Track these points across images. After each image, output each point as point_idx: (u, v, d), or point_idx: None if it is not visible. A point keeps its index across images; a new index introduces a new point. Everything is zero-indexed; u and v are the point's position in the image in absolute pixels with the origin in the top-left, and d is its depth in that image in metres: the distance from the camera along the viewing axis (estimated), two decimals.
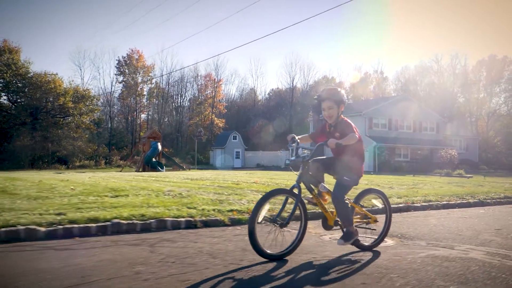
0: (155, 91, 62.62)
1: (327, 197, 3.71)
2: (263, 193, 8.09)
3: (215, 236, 4.47)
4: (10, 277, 2.74)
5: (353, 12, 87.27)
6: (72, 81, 45.86)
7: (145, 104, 63.28)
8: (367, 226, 3.89)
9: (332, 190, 3.62)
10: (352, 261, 3.46)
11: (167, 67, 78.22)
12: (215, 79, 63.27)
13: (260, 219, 3.28)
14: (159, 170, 27.90)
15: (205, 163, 50.44)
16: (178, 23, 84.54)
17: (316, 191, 3.64)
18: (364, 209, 3.92)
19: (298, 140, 3.70)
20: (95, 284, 2.64)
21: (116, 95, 60.34)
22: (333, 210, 3.68)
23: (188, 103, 65.00)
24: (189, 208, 5.74)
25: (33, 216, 4.56)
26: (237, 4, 77.20)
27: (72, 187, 7.19)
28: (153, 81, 62.96)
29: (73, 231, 4.35)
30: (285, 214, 3.58)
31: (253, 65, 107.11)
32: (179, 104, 65.46)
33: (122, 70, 60.29)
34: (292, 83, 66.35)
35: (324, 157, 3.83)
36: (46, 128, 40.88)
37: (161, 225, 4.93)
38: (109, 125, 52.67)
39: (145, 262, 3.22)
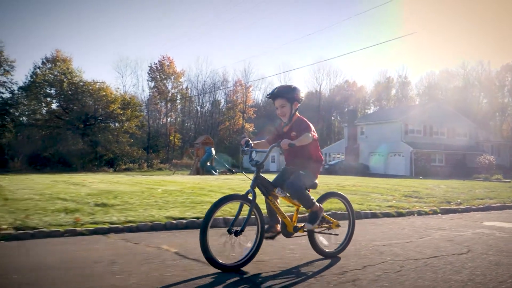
0: (185, 96, 64.80)
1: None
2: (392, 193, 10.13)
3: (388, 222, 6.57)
4: None
5: (379, 17, 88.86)
6: (118, 88, 48.69)
7: (176, 108, 65.86)
8: (329, 232, 3.77)
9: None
10: None
11: (201, 73, 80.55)
12: (245, 85, 65.56)
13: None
14: (213, 174, 30.12)
15: (237, 167, 52.46)
16: (212, 30, 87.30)
17: (272, 196, 3.50)
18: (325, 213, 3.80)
19: (252, 144, 3.56)
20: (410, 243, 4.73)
21: (146, 99, 63.28)
22: (292, 214, 3.62)
23: (219, 108, 67.38)
24: (357, 204, 7.86)
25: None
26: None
27: (229, 187, 9.38)
28: (184, 86, 65.50)
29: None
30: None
31: (281, 71, 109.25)
32: (210, 109, 67.93)
33: (153, 76, 62.96)
34: (320, 88, 68.33)
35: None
36: (95, 133, 43.64)
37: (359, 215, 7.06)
38: (148, 129, 55.27)
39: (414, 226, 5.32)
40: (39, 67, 44.94)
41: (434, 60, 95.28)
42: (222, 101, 67.46)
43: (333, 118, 73.56)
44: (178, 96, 64.46)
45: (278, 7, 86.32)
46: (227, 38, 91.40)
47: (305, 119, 3.60)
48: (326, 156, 47.28)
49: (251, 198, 3.32)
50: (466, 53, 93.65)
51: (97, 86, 43.70)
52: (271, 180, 3.59)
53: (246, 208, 3.35)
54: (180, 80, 64.94)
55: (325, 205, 3.90)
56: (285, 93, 3.55)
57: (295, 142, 3.29)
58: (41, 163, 41.17)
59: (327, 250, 3.72)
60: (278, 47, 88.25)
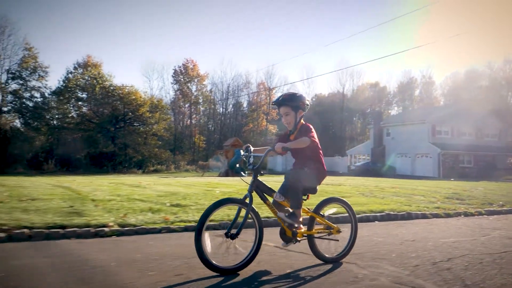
0: (208, 98, 65.69)
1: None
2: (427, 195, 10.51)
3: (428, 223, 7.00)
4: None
5: (404, 19, 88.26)
6: (146, 92, 50.07)
7: (199, 111, 66.93)
8: (329, 237, 3.74)
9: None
10: None
11: (226, 76, 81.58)
12: (268, 87, 66.17)
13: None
14: (242, 176, 30.78)
15: (264, 168, 52.98)
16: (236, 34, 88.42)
17: (270, 200, 3.54)
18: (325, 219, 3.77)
19: (252, 149, 3.58)
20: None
21: (170, 102, 64.58)
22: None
23: (242, 110, 68.16)
24: (405, 205, 8.32)
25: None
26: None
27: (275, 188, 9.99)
28: (208, 89, 66.51)
29: (376, 217, 7.02)
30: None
31: (304, 74, 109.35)
32: (233, 111, 68.81)
33: (177, 79, 64.25)
34: (343, 90, 68.25)
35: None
36: (125, 136, 45.02)
37: (407, 216, 7.53)
38: (175, 131, 56.49)
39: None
40: (71, 72, 46.69)
41: (459, 60, 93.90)
42: (245, 103, 68.26)
43: (355, 119, 73.34)
44: (201, 98, 65.45)
45: (302, 9, 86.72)
46: (250, 40, 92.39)
47: (310, 126, 3.61)
48: (351, 158, 47.36)
49: (248, 202, 3.36)
50: (492, 52, 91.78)
51: (126, 90, 45.10)
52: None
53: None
54: (204, 82, 66.03)
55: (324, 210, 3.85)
56: (289, 101, 3.60)
57: (288, 145, 3.30)
58: (73, 165, 42.69)
59: (327, 256, 3.68)
60: (302, 53, 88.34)
